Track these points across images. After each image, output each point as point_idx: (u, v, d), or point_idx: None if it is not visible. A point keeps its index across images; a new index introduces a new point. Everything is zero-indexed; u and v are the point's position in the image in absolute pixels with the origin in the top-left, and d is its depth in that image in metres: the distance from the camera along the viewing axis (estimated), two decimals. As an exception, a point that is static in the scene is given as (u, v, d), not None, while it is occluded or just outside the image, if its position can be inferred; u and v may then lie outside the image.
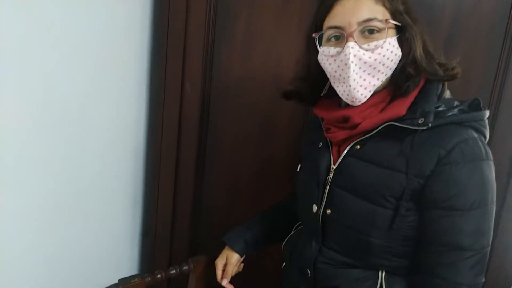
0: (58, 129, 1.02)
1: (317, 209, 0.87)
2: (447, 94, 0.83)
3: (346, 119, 0.82)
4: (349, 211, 0.82)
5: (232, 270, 1.07)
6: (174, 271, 1.12)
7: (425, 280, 0.77)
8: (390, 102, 0.81)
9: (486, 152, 0.76)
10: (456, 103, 0.81)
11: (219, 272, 1.08)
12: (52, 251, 1.08)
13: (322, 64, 0.83)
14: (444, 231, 0.74)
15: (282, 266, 1.06)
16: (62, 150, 1.05)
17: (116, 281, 1.03)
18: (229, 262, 1.07)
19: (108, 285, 1.01)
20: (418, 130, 0.76)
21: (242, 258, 1.10)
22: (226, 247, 1.09)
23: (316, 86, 0.92)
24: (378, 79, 0.79)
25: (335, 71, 0.80)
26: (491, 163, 0.77)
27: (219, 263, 1.08)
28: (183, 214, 1.47)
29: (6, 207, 0.91)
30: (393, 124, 0.78)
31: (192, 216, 1.46)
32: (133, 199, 1.46)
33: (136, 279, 1.04)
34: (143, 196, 1.52)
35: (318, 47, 0.83)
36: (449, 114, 0.77)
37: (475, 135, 0.76)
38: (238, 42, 1.32)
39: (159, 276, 1.09)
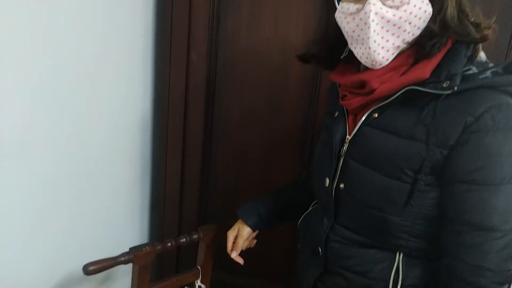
0: (65, 101, 1.02)
1: (329, 183, 0.82)
2: (482, 56, 0.73)
3: (363, 84, 0.75)
4: (363, 186, 0.76)
5: (242, 243, 1.04)
6: (184, 239, 1.14)
7: (446, 264, 0.70)
8: (413, 65, 0.72)
9: None
10: (490, 65, 0.71)
11: (229, 244, 1.05)
12: (63, 222, 1.10)
13: (339, 23, 0.74)
14: (468, 208, 0.66)
15: (298, 247, 1.03)
16: (70, 122, 1.06)
17: (127, 250, 1.05)
18: (240, 234, 1.04)
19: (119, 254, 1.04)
20: (442, 95, 0.67)
21: (255, 234, 1.08)
22: (239, 220, 1.05)
23: (335, 49, 0.82)
24: (403, 39, 0.69)
25: (353, 31, 0.71)
26: None
27: (230, 235, 1.05)
28: (191, 186, 1.48)
29: (15, 177, 0.92)
30: (415, 89, 0.69)
31: (200, 188, 1.47)
32: (141, 171, 1.48)
33: (147, 247, 1.06)
34: (151, 168, 1.54)
35: (336, 3, 0.73)
36: (480, 77, 0.68)
37: (510, 100, 0.66)
38: (244, 12, 1.29)
39: (169, 244, 1.11)
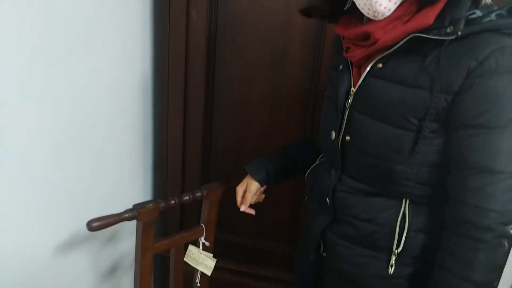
0: (63, 65, 1.00)
1: (335, 136, 0.82)
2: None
3: (366, 36, 0.73)
4: (368, 137, 0.76)
5: (251, 197, 1.06)
6: (187, 197, 1.14)
7: (451, 208, 0.71)
8: (416, 13, 0.70)
9: None
10: (495, 8, 0.69)
11: (238, 198, 1.07)
12: (67, 183, 1.11)
13: None
14: (473, 152, 0.66)
15: (305, 199, 1.05)
16: (70, 86, 1.04)
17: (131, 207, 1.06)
18: (249, 189, 1.05)
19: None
20: (445, 41, 0.66)
21: (263, 188, 1.09)
22: (248, 175, 1.07)
23: (338, 0, 0.81)
24: None
25: None
26: None
27: (239, 190, 1.07)
28: (193, 146, 1.48)
29: (18, 135, 0.92)
30: (418, 36, 0.68)
31: (203, 148, 1.47)
32: (143, 133, 1.47)
33: (150, 204, 1.06)
34: (152, 129, 1.53)
35: None
36: (485, 20, 0.66)
37: None
38: (245, -35, 1.25)
39: (172, 202, 1.11)
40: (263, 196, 1.12)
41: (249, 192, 1.06)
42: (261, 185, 1.07)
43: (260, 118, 1.42)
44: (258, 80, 1.37)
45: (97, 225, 0.98)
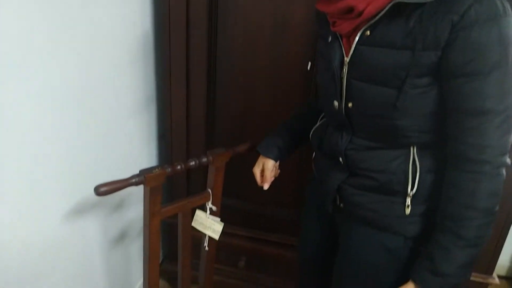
0: (61, 26, 0.98)
1: (338, 105, 0.87)
2: None
3: (350, 9, 0.77)
4: (369, 101, 0.81)
5: (269, 175, 1.12)
6: (193, 162, 1.14)
7: (451, 148, 0.77)
8: None
9: (504, 8, 0.69)
10: None
11: (258, 179, 1.14)
12: (72, 149, 1.11)
13: None
14: (465, 98, 0.72)
15: (313, 156, 1.09)
16: (72, 49, 1.02)
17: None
18: (266, 168, 1.12)
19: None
20: (426, 2, 0.71)
21: (277, 164, 1.15)
22: (261, 156, 1.13)
23: None
24: None
25: None
26: (511, 20, 0.70)
27: (257, 171, 1.13)
28: (197, 116, 1.47)
29: (24, 102, 0.91)
30: (400, 2, 0.72)
31: (206, 114, 1.46)
32: (145, 98, 1.46)
33: (157, 170, 1.06)
34: (155, 94, 1.52)
35: None
36: None
37: None
38: None
39: (178, 167, 1.11)
40: (279, 171, 1.18)
41: (266, 170, 1.12)
42: (275, 161, 1.13)
43: (264, 83, 1.40)
44: (261, 45, 1.35)
45: (104, 190, 0.98)
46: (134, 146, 1.45)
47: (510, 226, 1.39)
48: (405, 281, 0.84)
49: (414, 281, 0.82)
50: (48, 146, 1.01)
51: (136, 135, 1.45)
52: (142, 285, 1.63)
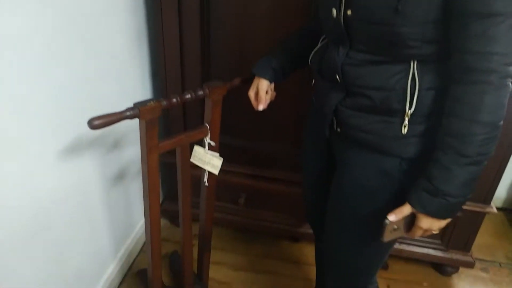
0: None
1: (337, 13, 0.82)
2: None
3: None
4: (369, 6, 0.77)
5: (264, 95, 1.08)
6: (189, 95, 1.10)
7: (456, 59, 0.72)
8: None
9: None
10: None
11: (253, 101, 1.10)
12: (65, 88, 1.06)
13: None
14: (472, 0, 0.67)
15: (312, 83, 1.05)
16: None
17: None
18: (260, 88, 1.08)
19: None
20: None
21: (273, 86, 1.12)
22: (255, 77, 1.09)
23: None
24: None
25: None
26: None
27: (251, 93, 1.10)
28: (191, 52, 1.41)
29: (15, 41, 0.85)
30: None
31: (201, 50, 1.40)
32: (136, 32, 1.39)
33: (152, 102, 1.02)
34: (147, 29, 1.45)
35: None
36: None
37: None
38: None
39: (174, 100, 1.07)
40: (274, 94, 1.14)
41: (261, 90, 1.08)
42: (270, 82, 1.09)
43: (260, 12, 1.33)
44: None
45: (98, 123, 0.95)
46: (127, 83, 1.40)
47: (510, 156, 1.38)
48: (401, 204, 0.82)
49: (411, 203, 0.80)
50: (41, 82, 0.97)
51: (129, 76, 1.41)
52: (143, 225, 1.66)
